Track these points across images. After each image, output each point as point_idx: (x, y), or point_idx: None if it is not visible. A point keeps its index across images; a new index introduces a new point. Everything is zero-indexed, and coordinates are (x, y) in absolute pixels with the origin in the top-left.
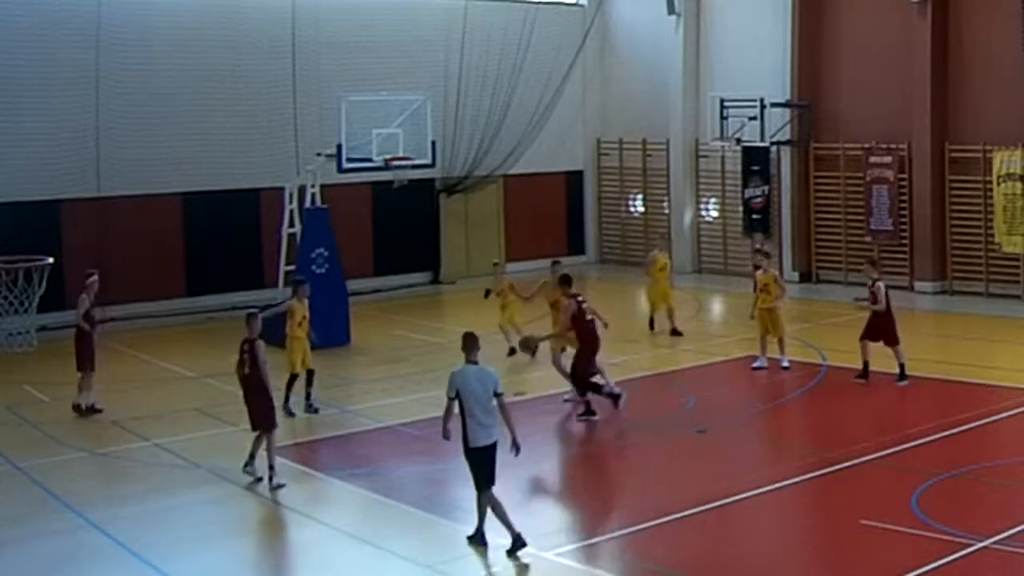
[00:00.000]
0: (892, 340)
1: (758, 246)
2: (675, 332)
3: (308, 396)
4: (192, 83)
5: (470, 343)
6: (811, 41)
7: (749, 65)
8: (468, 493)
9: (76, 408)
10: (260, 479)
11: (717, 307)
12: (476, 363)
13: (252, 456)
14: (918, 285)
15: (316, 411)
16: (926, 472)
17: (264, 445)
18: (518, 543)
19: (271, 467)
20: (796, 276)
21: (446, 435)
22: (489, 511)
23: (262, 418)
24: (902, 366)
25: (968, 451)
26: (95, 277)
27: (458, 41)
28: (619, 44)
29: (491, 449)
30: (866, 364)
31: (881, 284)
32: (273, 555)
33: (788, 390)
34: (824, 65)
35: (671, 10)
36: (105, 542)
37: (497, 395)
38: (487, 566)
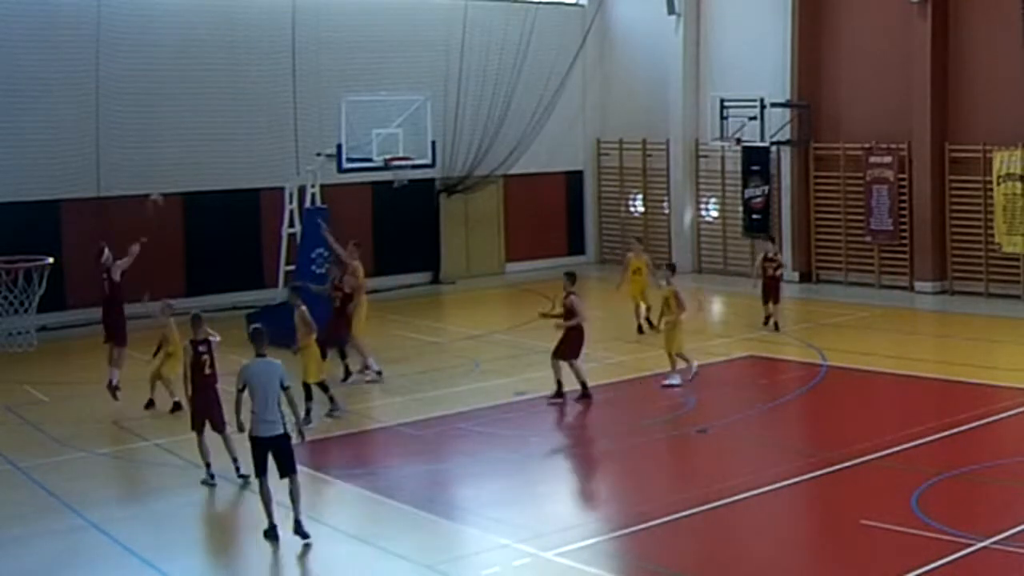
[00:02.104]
0: (573, 355)
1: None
2: (641, 330)
3: (308, 411)
4: (192, 83)
5: (258, 337)
6: (811, 41)
7: (749, 65)
8: (468, 493)
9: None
10: (247, 477)
11: (717, 307)
12: (264, 356)
13: (235, 459)
14: (918, 285)
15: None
16: (926, 472)
17: (228, 442)
18: (271, 533)
19: (235, 459)
20: (796, 276)
21: (239, 427)
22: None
23: (223, 418)
24: (584, 383)
25: (968, 451)
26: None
27: (458, 41)
28: (619, 44)
29: (271, 441)
30: (560, 383)
31: (574, 297)
32: (273, 555)
33: (788, 390)
34: (824, 65)
35: (671, 10)
36: (105, 542)
37: (283, 388)
38: (487, 566)
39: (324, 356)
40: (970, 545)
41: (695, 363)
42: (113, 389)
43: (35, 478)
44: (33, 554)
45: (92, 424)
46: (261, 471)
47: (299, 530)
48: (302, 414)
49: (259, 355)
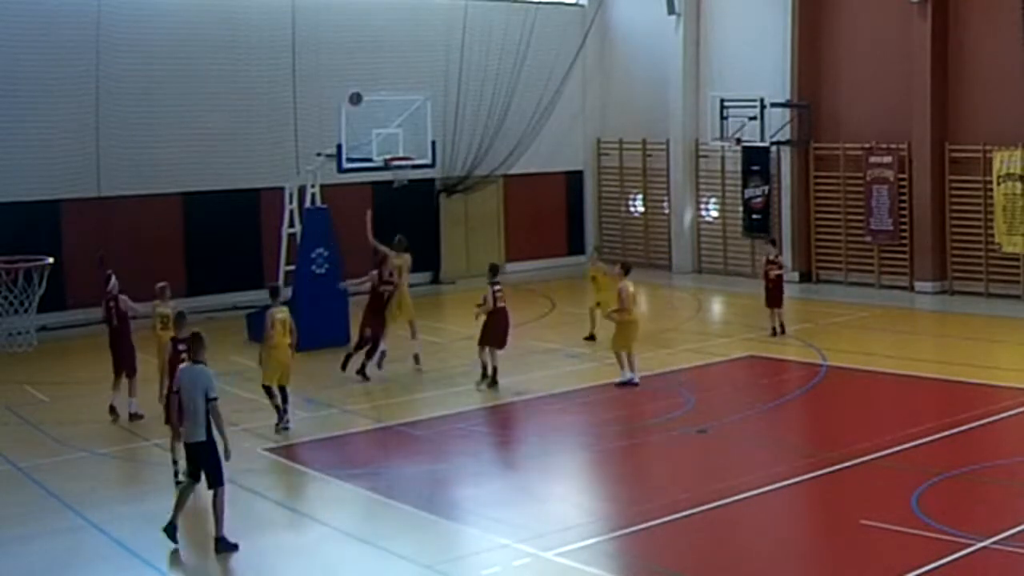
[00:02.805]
0: (499, 343)
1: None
2: (590, 337)
3: (281, 410)
4: (192, 83)
5: (195, 343)
6: (811, 41)
7: (749, 65)
8: (468, 493)
9: (134, 416)
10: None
11: (717, 307)
12: (200, 363)
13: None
14: (918, 285)
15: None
16: (926, 472)
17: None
18: (221, 543)
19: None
20: (796, 276)
21: (172, 426)
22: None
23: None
24: (495, 369)
25: (968, 451)
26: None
27: (458, 41)
28: (619, 44)
29: (191, 448)
30: (485, 368)
31: (491, 288)
32: (273, 555)
33: (788, 390)
34: (824, 65)
35: (671, 10)
36: (105, 542)
37: (209, 399)
38: (487, 566)
39: (369, 349)
40: (970, 545)
41: (634, 375)
42: (135, 416)
43: (35, 478)
44: (33, 554)
45: (92, 424)
46: (190, 474)
47: (219, 548)
48: (226, 430)
49: (195, 361)
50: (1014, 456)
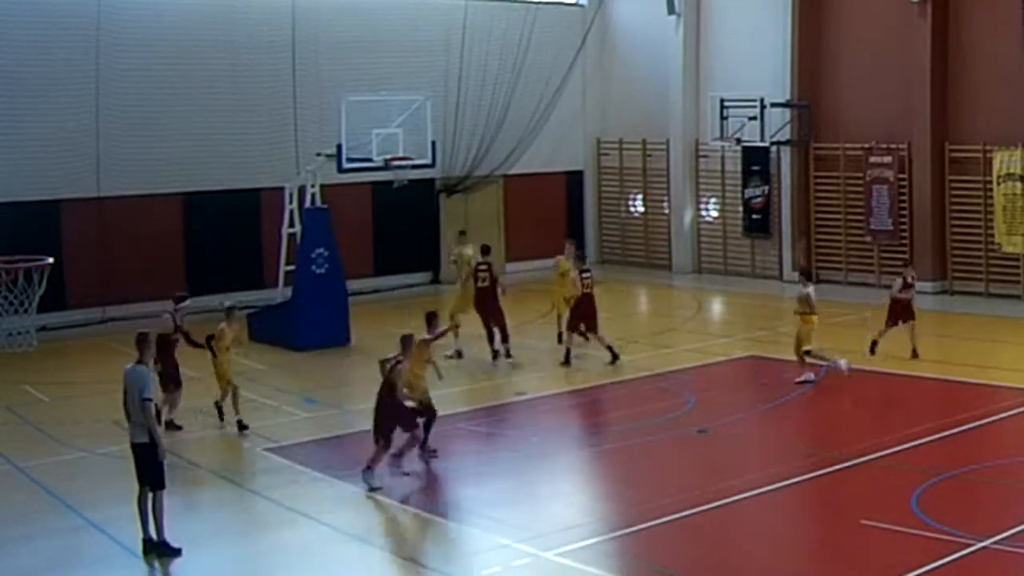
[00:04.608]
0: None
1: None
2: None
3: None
4: (192, 83)
5: (139, 344)
6: (811, 41)
7: (749, 65)
8: (468, 493)
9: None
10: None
11: (717, 307)
12: (142, 364)
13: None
14: (918, 285)
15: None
16: (926, 472)
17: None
18: (149, 544)
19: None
20: (796, 276)
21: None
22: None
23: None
24: (609, 348)
25: (968, 451)
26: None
27: (458, 41)
28: (619, 44)
29: (138, 449)
30: (568, 353)
31: (579, 274)
32: (273, 555)
33: (788, 390)
34: (824, 65)
35: (671, 10)
36: (105, 542)
37: (143, 399)
38: (487, 566)
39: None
40: (970, 545)
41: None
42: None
43: (35, 478)
44: (33, 554)
45: (92, 424)
46: (138, 478)
47: (160, 552)
48: (159, 431)
49: (138, 361)
50: (1014, 456)
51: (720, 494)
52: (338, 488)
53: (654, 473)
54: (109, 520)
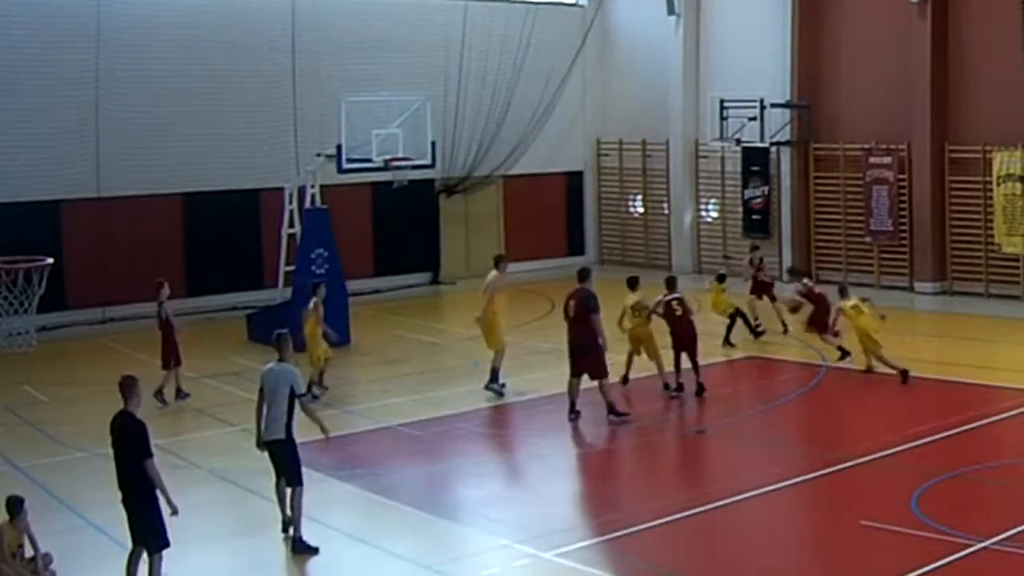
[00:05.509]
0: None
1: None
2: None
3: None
4: (192, 83)
5: (278, 341)
6: (811, 41)
7: (749, 65)
8: (468, 493)
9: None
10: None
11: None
12: (283, 360)
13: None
14: (918, 285)
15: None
16: (926, 472)
17: None
18: (292, 535)
19: None
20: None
21: (258, 430)
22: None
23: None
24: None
25: (968, 451)
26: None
27: (458, 41)
28: (619, 44)
29: (269, 445)
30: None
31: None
32: (273, 555)
33: (788, 390)
34: (824, 65)
35: (671, 10)
36: (105, 542)
37: (297, 396)
38: (487, 566)
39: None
40: (970, 545)
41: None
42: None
43: (35, 478)
44: None
45: (92, 424)
46: (275, 471)
47: (296, 548)
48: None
49: (280, 359)
50: (1014, 456)
51: (720, 494)
52: (338, 488)
53: (654, 473)
54: (109, 520)
